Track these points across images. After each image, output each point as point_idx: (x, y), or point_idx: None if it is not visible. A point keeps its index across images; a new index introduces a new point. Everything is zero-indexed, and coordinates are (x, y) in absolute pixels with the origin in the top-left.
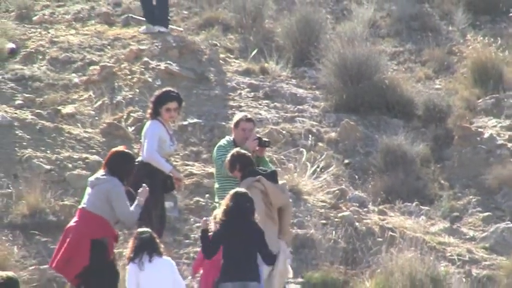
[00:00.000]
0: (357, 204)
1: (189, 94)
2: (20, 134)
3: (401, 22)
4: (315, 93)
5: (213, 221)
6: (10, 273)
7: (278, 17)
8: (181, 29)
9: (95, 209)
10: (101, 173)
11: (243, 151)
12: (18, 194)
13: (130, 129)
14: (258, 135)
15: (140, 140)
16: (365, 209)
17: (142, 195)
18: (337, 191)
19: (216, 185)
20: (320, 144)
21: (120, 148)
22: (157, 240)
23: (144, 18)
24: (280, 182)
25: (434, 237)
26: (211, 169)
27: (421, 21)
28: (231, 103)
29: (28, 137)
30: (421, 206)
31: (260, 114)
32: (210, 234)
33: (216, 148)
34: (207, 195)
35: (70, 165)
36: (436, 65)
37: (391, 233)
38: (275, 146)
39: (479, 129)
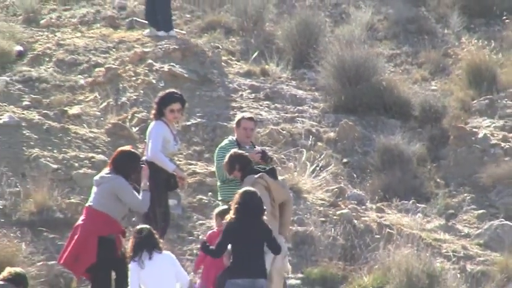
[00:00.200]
0: (355, 202)
1: (192, 95)
2: (27, 134)
3: (398, 25)
4: (314, 95)
5: (216, 220)
6: (18, 269)
7: (278, 20)
8: (184, 32)
9: (101, 207)
10: (105, 171)
11: (240, 151)
12: (26, 192)
13: (134, 129)
14: (262, 148)
15: (144, 139)
16: (363, 207)
17: (144, 176)
18: (336, 189)
19: (218, 183)
20: (319, 144)
21: (127, 147)
22: (156, 236)
23: (146, 22)
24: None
25: (430, 234)
26: (214, 168)
27: (417, 25)
28: (233, 104)
29: (35, 136)
30: (417, 204)
31: (261, 114)
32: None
33: (217, 149)
34: (210, 193)
35: (76, 164)
36: (432, 67)
37: (388, 230)
38: (276, 146)
39: (474, 129)
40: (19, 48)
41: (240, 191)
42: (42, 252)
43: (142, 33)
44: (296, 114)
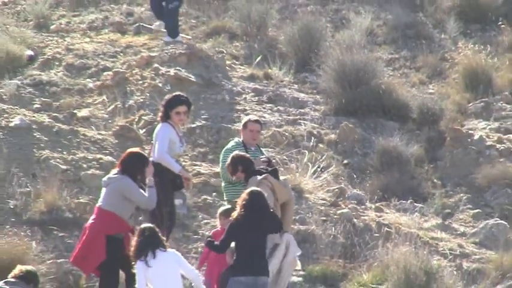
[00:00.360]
0: (355, 202)
1: (197, 98)
2: (38, 136)
3: (396, 30)
4: (315, 98)
5: (219, 219)
6: (29, 267)
7: (281, 25)
8: (190, 37)
9: (109, 207)
10: (114, 172)
11: (242, 153)
12: (37, 192)
13: (141, 131)
14: (267, 156)
15: (151, 141)
16: (363, 207)
17: (148, 173)
18: (337, 190)
19: (224, 184)
20: (320, 145)
21: (135, 149)
22: (160, 234)
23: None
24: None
25: (428, 233)
26: (218, 169)
27: (415, 30)
28: (237, 107)
29: (45, 138)
30: (415, 204)
31: (264, 117)
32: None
33: (223, 151)
34: (214, 193)
35: (85, 165)
36: (430, 70)
37: (387, 229)
38: (278, 147)
39: (470, 131)
40: (30, 52)
41: (247, 190)
42: (52, 251)
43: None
44: (298, 117)
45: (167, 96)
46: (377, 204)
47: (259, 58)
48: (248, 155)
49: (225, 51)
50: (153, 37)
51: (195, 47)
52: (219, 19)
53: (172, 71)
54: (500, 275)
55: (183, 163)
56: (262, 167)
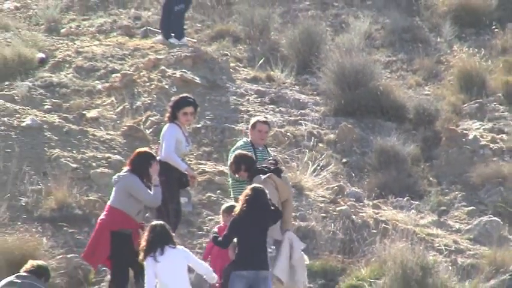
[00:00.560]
0: (354, 199)
1: (202, 100)
2: (48, 136)
3: (394, 34)
4: (316, 99)
5: (222, 216)
6: (40, 262)
7: (283, 29)
8: (195, 40)
9: (118, 204)
10: (123, 171)
11: (244, 152)
12: (47, 190)
13: (148, 131)
14: (275, 158)
15: (158, 141)
16: (361, 204)
17: (154, 172)
18: (336, 187)
19: (231, 182)
20: (320, 145)
21: (143, 149)
22: (170, 231)
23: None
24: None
25: (424, 229)
26: (222, 167)
27: (412, 34)
28: (240, 108)
29: (56, 138)
30: (411, 201)
31: (266, 117)
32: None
33: (232, 150)
34: (219, 191)
35: (94, 164)
36: (426, 73)
37: (384, 225)
38: (280, 147)
39: (465, 131)
40: (41, 55)
41: (250, 186)
42: (62, 246)
43: (153, 38)
44: (299, 117)
45: (175, 98)
46: (375, 202)
47: (261, 61)
48: (251, 154)
49: (229, 54)
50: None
51: (200, 50)
52: (223, 23)
53: (178, 73)
54: (493, 270)
55: (189, 162)
56: (264, 165)
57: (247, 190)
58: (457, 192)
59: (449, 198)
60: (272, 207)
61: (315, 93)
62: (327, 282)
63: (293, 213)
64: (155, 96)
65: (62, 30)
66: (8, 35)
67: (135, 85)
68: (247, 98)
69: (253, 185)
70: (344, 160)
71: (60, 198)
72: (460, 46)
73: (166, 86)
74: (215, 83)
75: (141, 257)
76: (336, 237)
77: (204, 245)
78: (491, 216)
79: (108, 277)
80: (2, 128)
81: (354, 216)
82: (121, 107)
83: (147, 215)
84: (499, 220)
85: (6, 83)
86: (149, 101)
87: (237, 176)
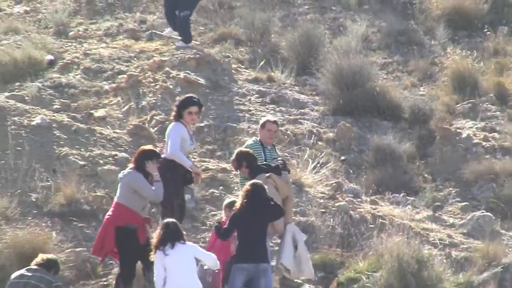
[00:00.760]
0: (352, 195)
1: (205, 100)
2: (57, 134)
3: (390, 37)
4: (315, 99)
5: (224, 211)
6: (50, 255)
7: (283, 32)
8: (198, 42)
9: (123, 200)
10: (128, 168)
11: (246, 149)
12: (57, 186)
13: (153, 130)
14: (283, 159)
15: (163, 139)
16: (359, 199)
17: (152, 170)
18: (335, 184)
19: (239, 178)
20: (320, 143)
21: (147, 147)
22: (181, 229)
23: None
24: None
25: (419, 224)
26: (225, 165)
27: (407, 36)
28: (242, 107)
29: (65, 136)
30: (407, 197)
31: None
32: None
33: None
34: (221, 187)
35: (101, 161)
36: (421, 74)
37: (381, 220)
38: (281, 145)
39: (458, 130)
40: (50, 57)
41: (250, 181)
42: (71, 240)
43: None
44: (299, 117)
45: (180, 97)
46: (372, 198)
47: (262, 62)
48: (252, 151)
49: (231, 56)
50: (164, 43)
51: (203, 52)
52: (226, 26)
53: (182, 74)
54: (486, 263)
55: (193, 159)
56: (264, 162)
57: (247, 186)
58: (451, 189)
59: (443, 194)
60: (272, 203)
61: (314, 93)
62: (326, 275)
63: (293, 209)
64: (160, 96)
65: (70, 33)
66: (18, 38)
67: (140, 86)
68: (249, 98)
69: (253, 180)
70: (342, 158)
71: (68, 194)
72: (454, 48)
73: (171, 87)
74: (218, 83)
75: (153, 252)
76: (334, 231)
77: (207, 239)
78: (483, 211)
79: (116, 270)
80: (13, 127)
81: (352, 212)
82: (127, 107)
83: (153, 210)
84: (492, 215)
85: (17, 83)
86: (154, 101)
87: (238, 171)
